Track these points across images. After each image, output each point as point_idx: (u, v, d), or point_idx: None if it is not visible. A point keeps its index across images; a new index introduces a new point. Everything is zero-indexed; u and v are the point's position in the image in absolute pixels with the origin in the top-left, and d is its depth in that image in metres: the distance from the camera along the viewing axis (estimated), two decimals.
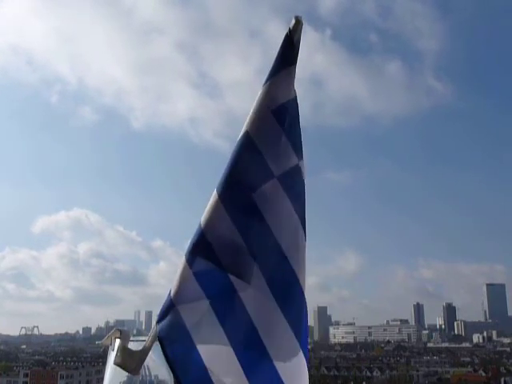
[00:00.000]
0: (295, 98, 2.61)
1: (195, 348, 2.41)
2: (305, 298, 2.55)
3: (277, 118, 2.54)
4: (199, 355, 2.41)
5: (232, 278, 2.46)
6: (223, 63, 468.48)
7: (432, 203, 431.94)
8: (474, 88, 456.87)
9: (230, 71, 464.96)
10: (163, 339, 2.41)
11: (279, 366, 2.41)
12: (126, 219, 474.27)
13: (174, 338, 2.43)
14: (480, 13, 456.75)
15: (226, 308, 2.47)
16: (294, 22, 2.52)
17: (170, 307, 2.47)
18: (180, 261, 2.54)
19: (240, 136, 2.56)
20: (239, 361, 2.40)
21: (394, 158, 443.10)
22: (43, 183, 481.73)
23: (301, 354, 2.47)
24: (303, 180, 2.60)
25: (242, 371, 2.40)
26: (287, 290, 2.50)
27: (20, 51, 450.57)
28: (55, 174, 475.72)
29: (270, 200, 2.52)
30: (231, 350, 2.41)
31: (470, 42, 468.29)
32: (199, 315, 2.46)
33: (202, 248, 2.48)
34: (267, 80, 2.58)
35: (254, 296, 2.45)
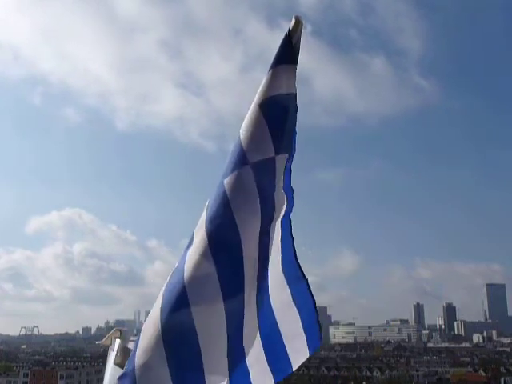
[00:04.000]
0: (292, 95, 2.56)
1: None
2: (255, 309, 2.49)
3: (262, 110, 2.55)
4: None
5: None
6: (207, 62, 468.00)
7: (428, 202, 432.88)
8: (462, 86, 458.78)
9: (215, 70, 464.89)
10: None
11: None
12: (120, 218, 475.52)
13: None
14: (463, 11, 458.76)
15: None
16: (293, 21, 2.51)
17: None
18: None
19: None
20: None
21: (387, 156, 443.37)
22: (35, 183, 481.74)
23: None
24: (274, 174, 2.55)
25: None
26: (238, 311, 2.45)
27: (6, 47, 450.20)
28: (47, 173, 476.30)
29: (239, 187, 2.52)
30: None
31: (455, 41, 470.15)
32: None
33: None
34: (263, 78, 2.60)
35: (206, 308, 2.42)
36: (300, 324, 2.54)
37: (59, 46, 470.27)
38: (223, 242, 2.47)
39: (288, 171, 2.59)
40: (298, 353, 2.54)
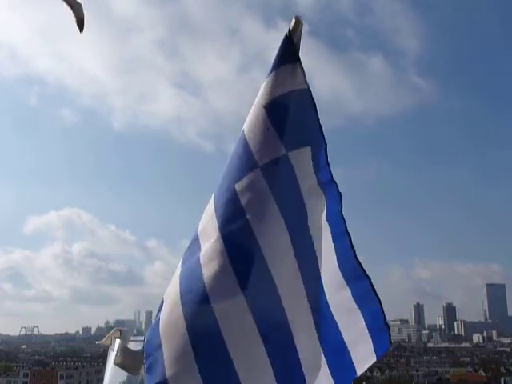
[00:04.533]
0: (303, 90, 2.53)
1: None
2: (285, 310, 2.41)
3: (267, 110, 2.53)
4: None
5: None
6: (204, 61, 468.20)
7: (427, 202, 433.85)
8: (460, 85, 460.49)
9: (211, 69, 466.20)
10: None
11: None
12: (119, 218, 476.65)
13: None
14: (460, 11, 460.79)
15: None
16: (293, 21, 2.51)
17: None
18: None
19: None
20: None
21: (386, 156, 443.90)
22: (34, 183, 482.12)
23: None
24: (292, 170, 2.49)
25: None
26: (264, 298, 2.41)
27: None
28: (46, 173, 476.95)
29: (251, 190, 2.48)
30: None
31: (452, 40, 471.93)
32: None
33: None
34: (265, 80, 2.59)
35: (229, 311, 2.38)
36: (364, 326, 2.27)
37: (55, 45, 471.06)
38: (240, 245, 2.43)
39: (323, 164, 2.46)
40: (364, 357, 2.28)
